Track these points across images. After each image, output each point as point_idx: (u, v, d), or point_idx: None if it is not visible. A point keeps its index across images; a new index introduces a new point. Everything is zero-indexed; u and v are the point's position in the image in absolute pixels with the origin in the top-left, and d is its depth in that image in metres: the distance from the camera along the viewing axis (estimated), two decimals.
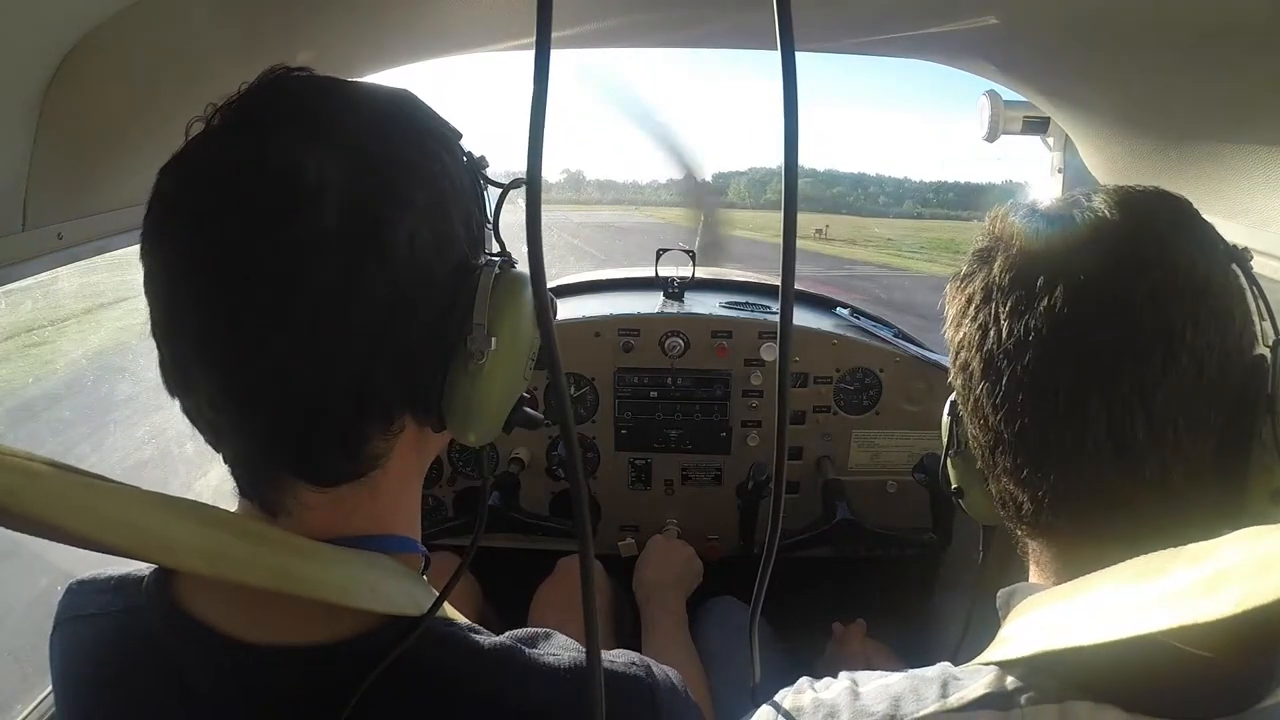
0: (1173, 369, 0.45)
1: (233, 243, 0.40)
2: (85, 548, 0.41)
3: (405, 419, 0.48)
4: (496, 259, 0.49)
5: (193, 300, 0.41)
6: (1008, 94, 1.23)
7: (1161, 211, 0.50)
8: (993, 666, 0.48)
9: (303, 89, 0.46)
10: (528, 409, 0.53)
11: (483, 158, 0.50)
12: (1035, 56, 1.04)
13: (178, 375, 0.44)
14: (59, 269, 0.71)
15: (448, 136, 0.49)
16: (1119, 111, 1.01)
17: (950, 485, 0.65)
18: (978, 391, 0.52)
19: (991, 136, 1.26)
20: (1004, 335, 0.49)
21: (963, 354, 0.54)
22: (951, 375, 0.57)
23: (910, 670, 0.52)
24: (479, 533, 0.55)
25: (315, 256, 0.40)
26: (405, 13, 0.92)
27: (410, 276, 0.43)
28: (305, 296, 0.40)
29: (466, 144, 0.51)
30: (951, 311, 0.56)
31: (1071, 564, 0.51)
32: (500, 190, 0.51)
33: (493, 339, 0.46)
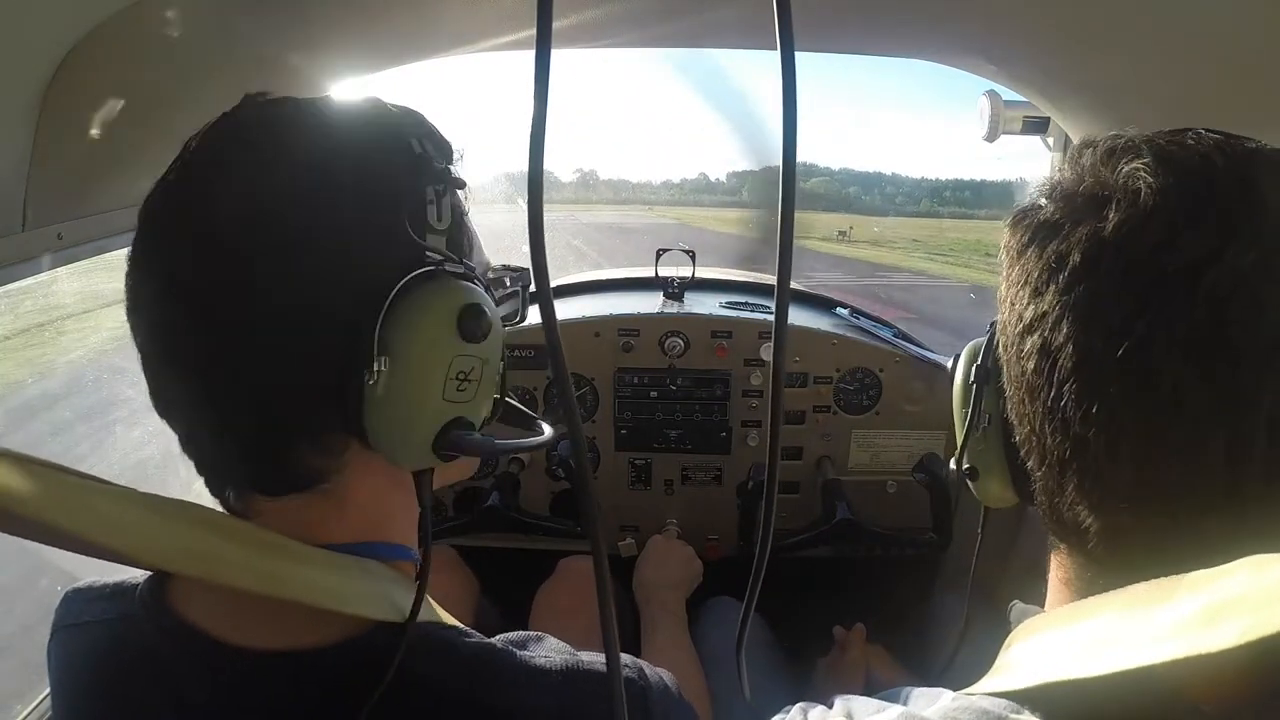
0: (1232, 393, 0.38)
1: (162, 258, 0.44)
2: (78, 551, 0.42)
3: (345, 437, 0.47)
4: (429, 268, 0.47)
5: (143, 321, 0.45)
6: (1008, 94, 1.23)
7: (1218, 178, 0.40)
8: (997, 705, 0.44)
9: (263, 112, 0.48)
10: (466, 435, 0.49)
11: (435, 159, 0.49)
12: (1035, 56, 1.04)
13: (152, 390, 0.47)
14: (59, 269, 0.72)
15: (399, 141, 0.48)
16: (1119, 111, 1.01)
17: (963, 465, 0.59)
18: (1034, 410, 0.44)
19: (991, 136, 1.26)
20: (1061, 363, 0.41)
21: (1040, 333, 0.43)
22: (1005, 350, 0.48)
23: (909, 701, 0.49)
24: (427, 542, 0.52)
25: (230, 266, 0.43)
26: (405, 13, 0.92)
27: (319, 292, 0.44)
28: (219, 304, 0.43)
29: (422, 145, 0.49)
30: (1015, 272, 0.45)
31: (1098, 578, 0.46)
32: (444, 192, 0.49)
33: (382, 358, 0.44)
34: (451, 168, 0.51)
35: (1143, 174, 0.40)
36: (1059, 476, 0.44)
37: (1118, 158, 0.42)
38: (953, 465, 0.61)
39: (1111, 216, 0.40)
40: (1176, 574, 0.38)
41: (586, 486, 0.41)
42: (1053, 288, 0.42)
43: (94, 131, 0.69)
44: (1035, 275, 0.44)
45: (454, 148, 0.53)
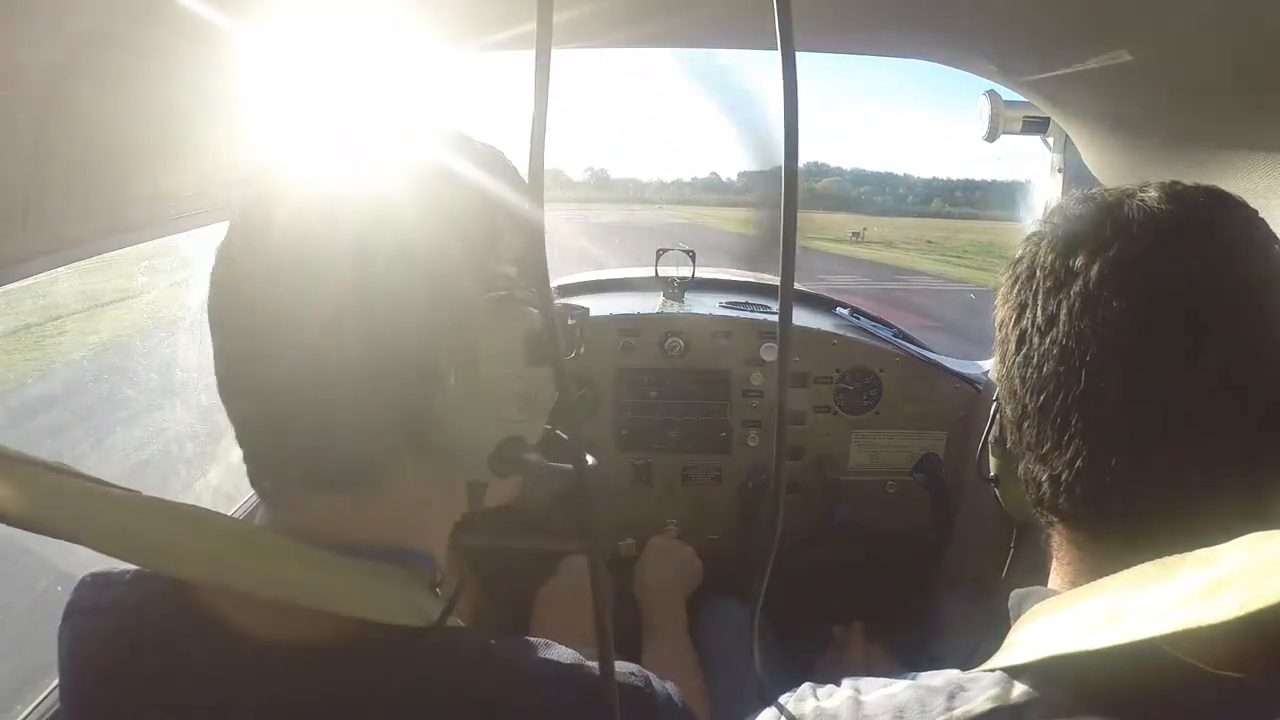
0: (1198, 362, 0.44)
1: (265, 267, 0.46)
2: (94, 549, 0.42)
3: (397, 442, 0.49)
4: (496, 293, 0.50)
5: (233, 306, 0.47)
6: (1008, 94, 1.23)
7: (1217, 207, 0.49)
8: (1000, 674, 0.46)
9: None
10: (521, 454, 0.52)
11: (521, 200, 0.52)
12: (1035, 57, 1.04)
13: (225, 375, 0.48)
14: (58, 269, 0.72)
15: (487, 167, 0.52)
16: (1119, 112, 1.01)
17: (989, 474, 0.64)
18: (1009, 365, 0.53)
19: (991, 136, 1.27)
20: (1039, 311, 0.50)
21: (1002, 331, 0.54)
22: (995, 358, 0.57)
23: (916, 678, 0.50)
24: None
25: (320, 280, 0.45)
26: (403, 14, 0.92)
27: (410, 303, 0.46)
28: (313, 313, 0.45)
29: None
30: (999, 294, 0.56)
31: (1089, 562, 0.50)
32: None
33: (450, 374, 0.47)
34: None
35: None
36: (1018, 434, 0.53)
37: (1063, 202, 0.55)
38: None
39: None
40: (1183, 550, 0.39)
41: (585, 491, 0.42)
42: (1008, 298, 0.54)
43: (94, 133, 0.69)
44: (1000, 294, 0.55)
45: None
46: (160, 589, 0.50)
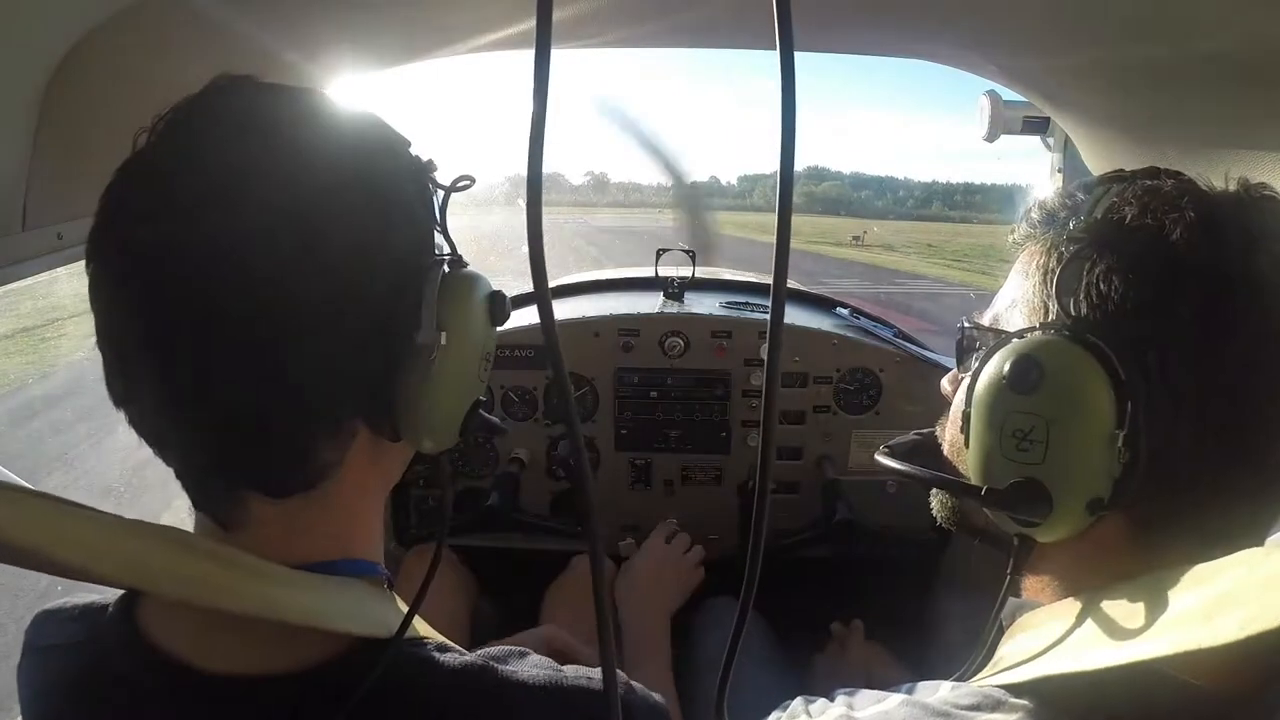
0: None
1: (166, 243, 0.40)
2: (63, 575, 0.41)
3: (357, 425, 0.47)
4: (444, 258, 0.49)
5: (131, 304, 0.41)
6: (1008, 94, 1.23)
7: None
8: (995, 693, 0.45)
9: (240, 91, 0.45)
10: (485, 414, 0.52)
11: (430, 161, 0.50)
12: (1035, 56, 1.04)
13: (122, 383, 0.43)
14: (59, 269, 0.71)
15: (391, 140, 0.49)
16: (1119, 112, 1.01)
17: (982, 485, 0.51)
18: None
19: (991, 136, 1.27)
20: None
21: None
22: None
23: (912, 691, 0.49)
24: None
25: (248, 255, 0.40)
26: (403, 13, 0.92)
27: (348, 276, 0.43)
28: (238, 296, 0.40)
29: (416, 149, 0.50)
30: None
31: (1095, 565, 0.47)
32: (444, 191, 0.51)
33: (442, 334, 0.45)
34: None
35: None
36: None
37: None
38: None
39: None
40: (1187, 563, 0.39)
41: (586, 491, 0.41)
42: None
43: (94, 131, 0.69)
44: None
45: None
46: (109, 622, 0.48)
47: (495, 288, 0.51)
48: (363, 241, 0.43)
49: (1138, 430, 0.43)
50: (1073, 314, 0.46)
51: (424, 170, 0.49)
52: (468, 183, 0.51)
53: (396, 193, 0.47)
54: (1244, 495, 0.44)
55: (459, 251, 0.51)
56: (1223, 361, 0.43)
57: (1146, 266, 0.45)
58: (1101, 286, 0.45)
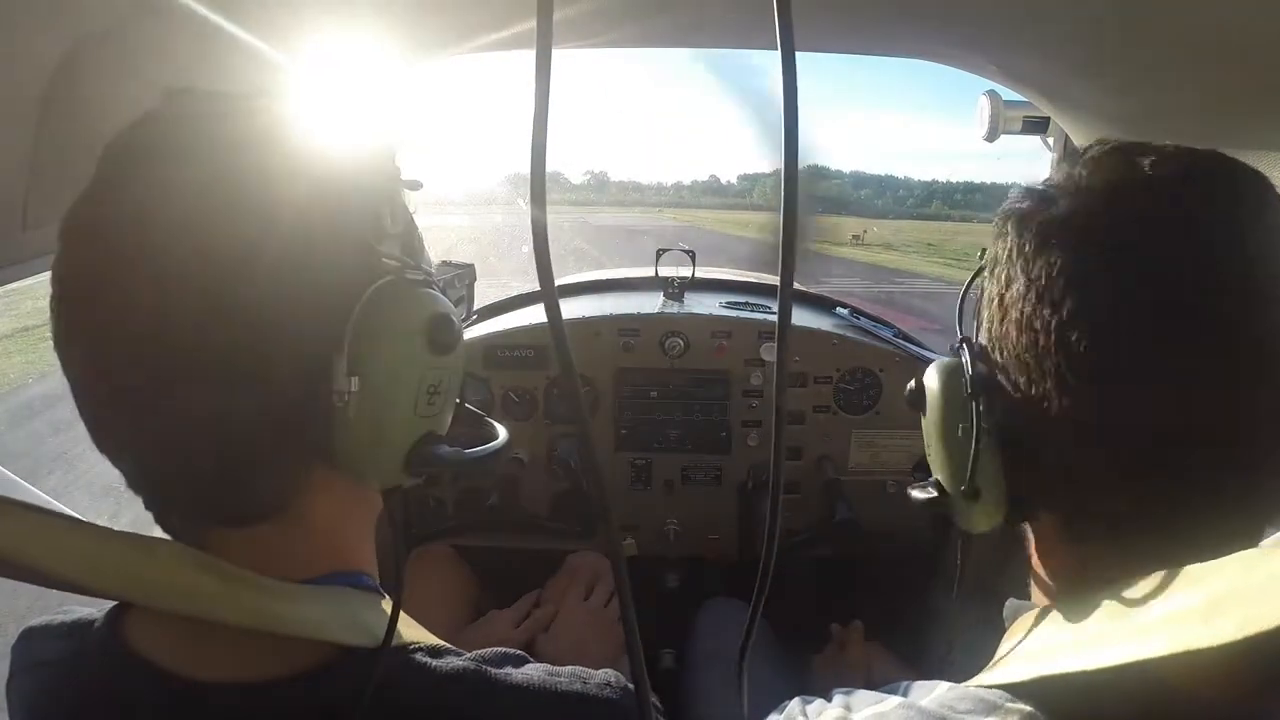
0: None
1: (101, 280, 0.40)
2: (60, 589, 0.42)
3: (309, 460, 0.45)
4: (384, 279, 0.44)
5: (75, 344, 0.41)
6: (1008, 94, 1.23)
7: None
8: (992, 694, 0.45)
9: (168, 117, 0.45)
10: (437, 449, 0.47)
11: (396, 167, 0.47)
12: (1035, 56, 1.04)
13: (89, 428, 0.43)
14: None
15: (334, 159, 0.45)
16: (1119, 111, 1.01)
17: (966, 483, 0.52)
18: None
19: (991, 136, 1.27)
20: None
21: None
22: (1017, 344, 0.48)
23: (909, 693, 0.50)
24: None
25: (174, 291, 0.39)
26: (403, 15, 0.92)
27: (268, 333, 0.41)
28: (165, 332, 0.39)
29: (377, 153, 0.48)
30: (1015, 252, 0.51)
31: (1084, 565, 0.48)
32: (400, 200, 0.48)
33: (353, 379, 0.42)
34: (398, 164, 0.49)
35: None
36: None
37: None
38: (942, 486, 0.60)
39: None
40: (1179, 562, 0.38)
41: (603, 494, 0.41)
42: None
43: (94, 132, 0.69)
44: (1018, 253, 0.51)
45: (393, 143, 0.51)
46: (96, 638, 0.48)
47: (441, 309, 0.46)
48: (287, 267, 0.41)
49: (983, 428, 0.49)
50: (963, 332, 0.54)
51: (376, 172, 0.47)
52: (419, 186, 0.49)
53: (328, 232, 0.43)
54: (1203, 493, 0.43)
55: (421, 261, 0.48)
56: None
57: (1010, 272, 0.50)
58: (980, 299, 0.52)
